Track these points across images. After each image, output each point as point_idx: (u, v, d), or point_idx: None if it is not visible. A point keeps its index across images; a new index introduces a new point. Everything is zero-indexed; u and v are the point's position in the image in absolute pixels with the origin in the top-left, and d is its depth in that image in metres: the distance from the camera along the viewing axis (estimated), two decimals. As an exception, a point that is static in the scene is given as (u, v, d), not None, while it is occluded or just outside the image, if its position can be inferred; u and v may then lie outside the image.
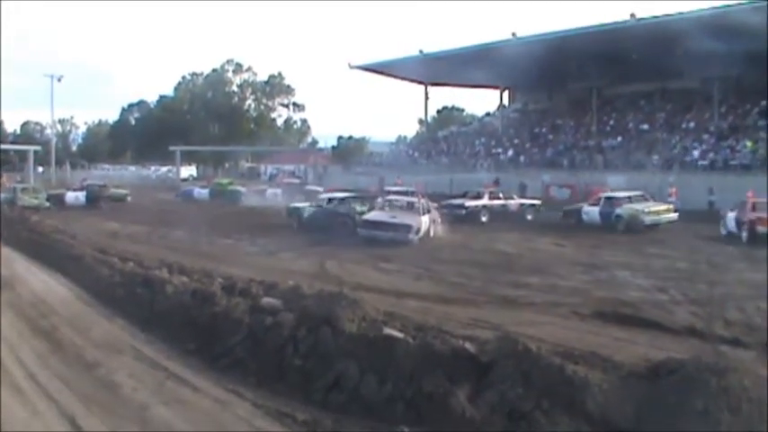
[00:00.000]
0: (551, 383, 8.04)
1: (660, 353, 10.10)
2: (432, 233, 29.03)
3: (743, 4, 46.26)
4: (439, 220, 30.92)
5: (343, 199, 33.69)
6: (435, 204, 33.04)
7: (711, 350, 11.18)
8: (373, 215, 29.00)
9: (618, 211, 33.13)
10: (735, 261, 23.05)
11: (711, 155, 50.57)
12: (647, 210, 32.87)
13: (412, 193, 39.62)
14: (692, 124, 56.99)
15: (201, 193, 56.98)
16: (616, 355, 9.70)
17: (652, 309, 15.38)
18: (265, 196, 46.98)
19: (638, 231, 31.43)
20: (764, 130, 50.37)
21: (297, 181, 62.94)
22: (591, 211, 34.67)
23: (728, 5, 47.18)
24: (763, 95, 53.51)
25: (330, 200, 33.95)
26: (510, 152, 67.07)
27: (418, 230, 27.47)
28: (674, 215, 33.25)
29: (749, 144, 48.83)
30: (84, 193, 48.02)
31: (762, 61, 45.00)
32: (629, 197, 34.22)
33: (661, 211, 33.28)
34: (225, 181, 64.51)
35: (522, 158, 64.43)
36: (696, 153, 51.63)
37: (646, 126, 60.25)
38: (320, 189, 47.43)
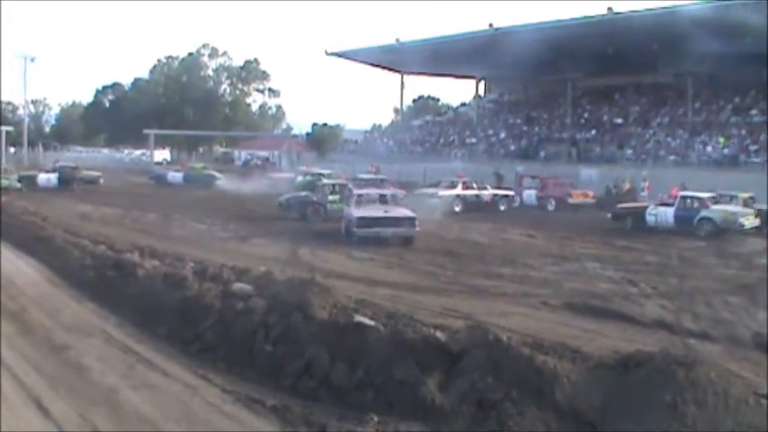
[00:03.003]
0: (521, 373, 8.09)
1: (629, 345, 10.20)
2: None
3: (716, 1, 46.47)
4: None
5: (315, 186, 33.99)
6: (404, 192, 33.15)
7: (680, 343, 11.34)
8: (366, 212, 25.47)
9: (705, 212, 29.00)
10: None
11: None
12: (739, 212, 28.93)
13: (382, 181, 39.97)
14: (665, 119, 57.28)
15: (175, 176, 56.60)
16: (585, 347, 9.76)
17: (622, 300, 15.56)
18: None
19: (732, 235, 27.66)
20: (737, 126, 50.79)
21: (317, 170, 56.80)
22: (662, 213, 30.27)
23: (703, 3, 47.40)
24: (736, 92, 53.94)
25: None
26: (484, 143, 67.20)
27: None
28: (757, 220, 29.02)
29: (722, 140, 49.18)
30: (56, 174, 47.57)
31: (735, 58, 45.25)
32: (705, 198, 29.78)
33: (750, 215, 29.06)
34: (199, 165, 64.25)
35: (495, 149, 64.53)
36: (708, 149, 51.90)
37: (620, 120, 60.48)
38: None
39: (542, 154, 59.43)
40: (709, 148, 48.73)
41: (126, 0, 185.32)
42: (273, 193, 36.80)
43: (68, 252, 18.15)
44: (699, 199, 29.71)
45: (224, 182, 52.97)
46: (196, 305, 11.89)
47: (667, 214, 30.03)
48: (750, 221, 28.58)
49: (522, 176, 44.81)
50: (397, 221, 24.78)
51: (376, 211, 25.47)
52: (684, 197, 30.15)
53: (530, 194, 41.47)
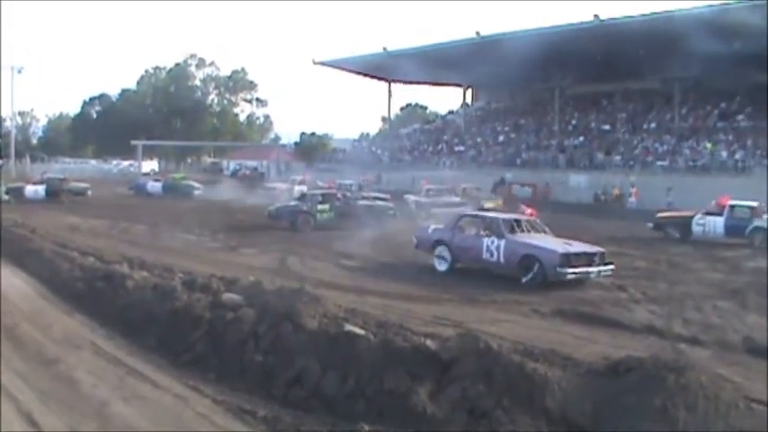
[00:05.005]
0: (512, 381, 8.10)
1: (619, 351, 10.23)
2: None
3: (702, 7, 46.79)
4: None
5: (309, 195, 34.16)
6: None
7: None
8: (564, 247, 18.99)
9: (757, 222, 28.14)
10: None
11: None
12: None
13: (360, 187, 41.39)
14: (653, 125, 57.54)
15: (155, 186, 57.10)
16: (575, 353, 9.78)
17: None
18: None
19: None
20: (723, 131, 51.07)
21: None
22: (710, 222, 29.28)
23: (688, 8, 47.70)
24: (723, 97, 54.24)
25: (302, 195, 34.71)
26: (472, 150, 67.39)
27: None
28: None
29: (709, 145, 49.41)
30: (44, 186, 47.48)
31: (721, 63, 45.52)
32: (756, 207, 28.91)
33: None
34: (179, 175, 64.94)
35: (484, 157, 64.69)
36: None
37: (607, 126, 60.75)
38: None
39: (531, 161, 59.55)
40: (724, 153, 48.67)
41: (112, 11, 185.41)
42: (265, 204, 36.80)
43: (57, 264, 18.09)
44: (750, 208, 28.88)
45: (203, 192, 53.91)
46: (186, 316, 11.87)
47: (717, 224, 29.11)
48: None
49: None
50: (592, 258, 19.05)
51: (563, 245, 19.18)
52: (734, 206, 29.12)
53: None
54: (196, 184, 57.44)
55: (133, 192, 57.42)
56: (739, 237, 28.30)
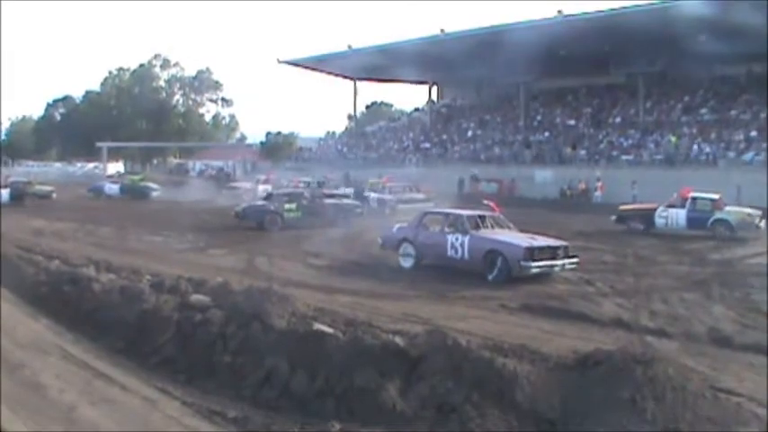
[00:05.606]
0: (481, 376, 8.12)
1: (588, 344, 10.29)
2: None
3: (664, 1, 47.07)
4: None
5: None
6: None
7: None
8: (528, 241, 18.97)
9: (719, 214, 28.23)
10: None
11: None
12: (755, 213, 28.37)
13: (320, 184, 41.66)
14: (618, 119, 57.92)
15: (112, 188, 57.03)
16: (544, 348, 9.83)
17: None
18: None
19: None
20: (687, 125, 51.53)
21: None
22: (673, 215, 29.31)
23: (650, 3, 47.98)
24: (686, 91, 54.72)
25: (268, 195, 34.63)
26: (438, 147, 67.52)
27: None
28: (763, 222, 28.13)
29: (673, 139, 49.82)
30: (7, 190, 46.85)
31: (684, 57, 45.90)
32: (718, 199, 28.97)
33: (758, 216, 28.43)
34: (137, 177, 65.17)
35: (450, 153, 64.84)
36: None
37: (572, 121, 61.07)
38: None
39: (496, 157, 59.74)
40: (695, 147, 49.02)
41: (74, 12, 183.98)
42: (230, 204, 36.79)
43: (22, 268, 17.87)
44: (712, 200, 28.91)
45: (169, 193, 54.11)
46: (154, 318, 11.79)
47: (679, 216, 29.14)
48: (763, 223, 27.95)
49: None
50: (555, 251, 18.96)
51: (526, 240, 19.04)
52: (696, 198, 29.11)
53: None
54: (154, 186, 57.56)
55: (92, 194, 57.18)
56: (701, 229, 28.33)
